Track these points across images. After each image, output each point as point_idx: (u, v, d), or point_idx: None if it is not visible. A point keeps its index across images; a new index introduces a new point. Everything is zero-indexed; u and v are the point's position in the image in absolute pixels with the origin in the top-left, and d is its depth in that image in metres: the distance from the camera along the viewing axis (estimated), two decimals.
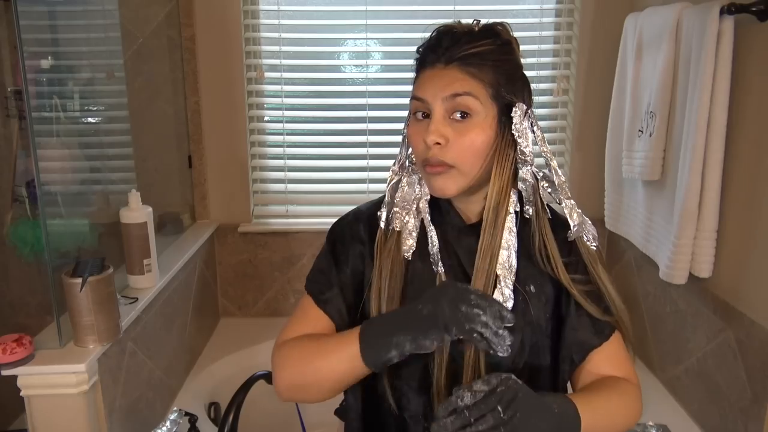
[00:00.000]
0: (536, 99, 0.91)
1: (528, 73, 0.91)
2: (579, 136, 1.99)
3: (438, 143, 0.84)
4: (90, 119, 1.68)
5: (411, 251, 0.91)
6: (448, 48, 0.85)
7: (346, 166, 2.06)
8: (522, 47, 0.92)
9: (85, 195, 1.64)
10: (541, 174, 0.89)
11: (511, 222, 0.88)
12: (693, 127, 1.29)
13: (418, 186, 0.93)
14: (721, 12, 1.23)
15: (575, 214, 0.89)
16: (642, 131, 1.54)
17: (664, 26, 1.44)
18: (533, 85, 0.92)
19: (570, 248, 0.92)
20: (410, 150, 0.92)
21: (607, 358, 0.94)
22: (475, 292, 0.78)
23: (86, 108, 1.64)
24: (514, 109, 0.86)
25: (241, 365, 1.78)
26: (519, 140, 0.86)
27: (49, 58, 1.50)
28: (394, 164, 0.94)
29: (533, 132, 0.88)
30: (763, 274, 1.23)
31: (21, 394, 1.13)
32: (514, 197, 0.89)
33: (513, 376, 0.74)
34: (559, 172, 0.89)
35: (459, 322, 0.75)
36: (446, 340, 0.78)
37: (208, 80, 1.95)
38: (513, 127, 0.86)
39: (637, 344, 1.74)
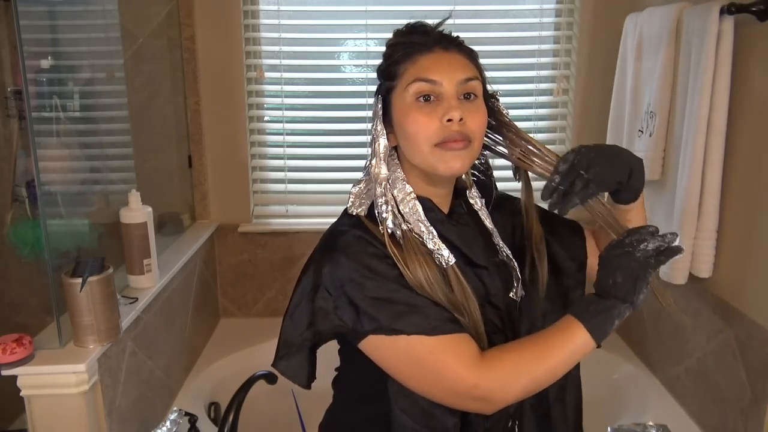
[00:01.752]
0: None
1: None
2: (579, 136, 1.99)
3: (461, 119, 0.85)
4: (90, 119, 1.67)
5: (448, 252, 0.88)
6: (441, 35, 0.90)
7: (346, 167, 2.05)
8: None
9: (85, 195, 1.64)
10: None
11: (485, 209, 0.99)
12: (693, 127, 1.29)
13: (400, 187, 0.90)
14: (721, 12, 1.23)
15: None
16: (642, 131, 1.54)
17: (664, 26, 1.44)
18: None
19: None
20: (386, 141, 0.89)
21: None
22: (626, 238, 0.83)
23: (86, 108, 1.63)
24: (497, 96, 0.95)
25: (241, 365, 1.78)
26: (508, 119, 0.95)
27: (49, 58, 1.50)
28: (376, 166, 0.89)
29: None
30: (763, 274, 1.23)
31: (21, 394, 1.13)
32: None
33: (582, 146, 0.86)
34: None
35: (648, 263, 0.80)
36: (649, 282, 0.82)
37: (208, 80, 1.95)
38: (505, 112, 0.95)
39: (637, 344, 1.74)
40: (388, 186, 0.89)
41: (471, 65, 0.89)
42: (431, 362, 0.83)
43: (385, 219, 0.87)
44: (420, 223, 0.88)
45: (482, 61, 0.93)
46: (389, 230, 0.86)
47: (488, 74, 0.94)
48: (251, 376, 1.37)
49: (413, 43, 0.89)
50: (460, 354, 0.82)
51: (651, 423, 1.11)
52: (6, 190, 1.63)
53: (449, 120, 0.84)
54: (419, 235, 0.88)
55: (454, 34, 0.92)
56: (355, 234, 0.88)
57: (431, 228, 0.88)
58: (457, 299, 0.86)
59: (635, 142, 1.57)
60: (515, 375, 0.82)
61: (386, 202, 0.88)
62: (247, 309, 2.11)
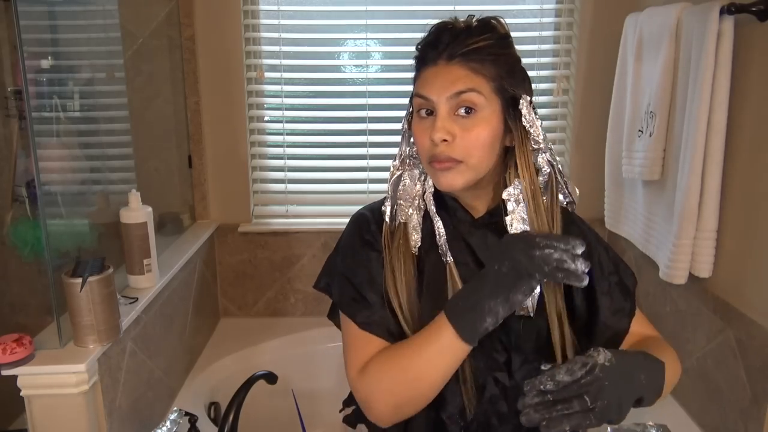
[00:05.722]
0: (536, 99, 0.92)
1: (528, 73, 0.92)
2: (579, 136, 1.99)
3: (445, 140, 0.84)
4: (90, 119, 1.67)
5: (417, 245, 0.92)
6: (449, 44, 0.86)
7: (346, 166, 2.05)
8: (522, 47, 0.93)
9: (85, 195, 1.64)
10: (555, 161, 0.91)
11: (523, 211, 0.88)
12: (693, 127, 1.29)
13: (419, 181, 0.94)
14: (721, 12, 1.23)
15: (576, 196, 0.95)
16: (642, 131, 1.54)
17: (664, 26, 1.44)
18: (533, 86, 0.92)
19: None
20: (411, 146, 0.94)
21: (637, 322, 1.00)
22: (538, 235, 0.80)
23: (86, 108, 1.64)
24: (521, 101, 0.87)
25: (241, 365, 1.78)
26: (531, 130, 0.87)
27: (49, 58, 1.50)
28: (395, 160, 0.96)
29: (539, 121, 0.89)
30: (763, 274, 1.23)
31: (21, 394, 1.13)
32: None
33: (598, 361, 0.76)
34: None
35: (539, 267, 0.76)
36: (535, 288, 0.79)
37: (208, 80, 1.95)
38: (523, 118, 0.87)
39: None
40: (398, 183, 0.95)
41: (472, 75, 0.84)
42: (347, 341, 0.93)
43: (384, 211, 0.95)
44: (414, 212, 0.93)
45: None
46: (386, 218, 0.94)
47: None
48: (251, 376, 1.37)
49: (422, 55, 0.90)
50: (358, 355, 0.90)
51: (651, 423, 1.11)
52: (6, 190, 1.63)
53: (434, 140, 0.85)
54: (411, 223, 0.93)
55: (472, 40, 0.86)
56: (363, 213, 0.98)
57: (419, 216, 0.92)
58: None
59: (635, 142, 1.57)
60: (378, 381, 0.86)
61: (388, 198, 0.95)
62: (247, 309, 2.12)
